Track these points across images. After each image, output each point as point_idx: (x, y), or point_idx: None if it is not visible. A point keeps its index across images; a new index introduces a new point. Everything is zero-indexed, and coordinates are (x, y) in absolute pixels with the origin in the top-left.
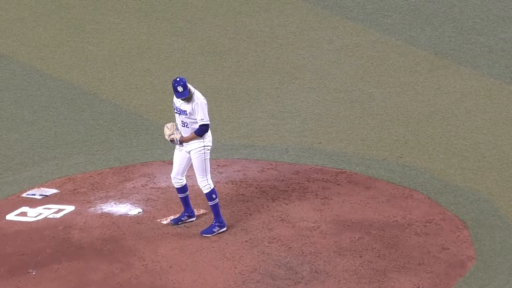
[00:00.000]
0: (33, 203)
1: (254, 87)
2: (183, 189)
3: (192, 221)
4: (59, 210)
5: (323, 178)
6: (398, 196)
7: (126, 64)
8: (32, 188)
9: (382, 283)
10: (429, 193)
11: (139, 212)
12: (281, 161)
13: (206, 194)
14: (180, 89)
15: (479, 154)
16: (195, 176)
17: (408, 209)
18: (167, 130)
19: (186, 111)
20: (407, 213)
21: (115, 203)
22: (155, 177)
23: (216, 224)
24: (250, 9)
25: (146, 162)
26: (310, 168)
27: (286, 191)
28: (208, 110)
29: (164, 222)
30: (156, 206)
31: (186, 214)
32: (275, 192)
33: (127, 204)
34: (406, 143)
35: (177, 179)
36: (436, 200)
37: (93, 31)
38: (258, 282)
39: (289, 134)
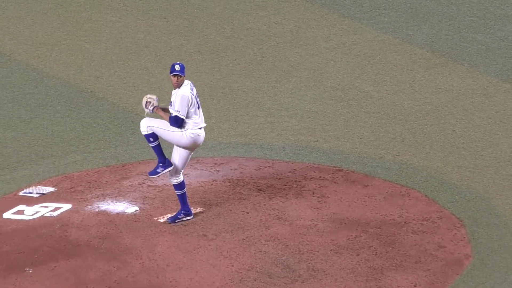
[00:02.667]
0: (30, 201)
1: (251, 85)
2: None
3: (189, 219)
4: (56, 208)
5: (320, 176)
6: (395, 194)
7: (123, 62)
8: (29, 186)
9: (379, 281)
10: (426, 191)
11: (136, 210)
12: (278, 159)
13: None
14: (177, 67)
15: (476, 152)
16: (192, 174)
17: (405, 207)
18: (150, 95)
19: (172, 102)
20: (404, 211)
21: (112, 201)
22: None
23: (159, 164)
24: (247, 7)
25: (143, 160)
26: (307, 166)
27: (283, 189)
28: (188, 107)
29: (161, 220)
30: (153, 204)
31: (183, 212)
32: (272, 190)
33: (124, 202)
34: (403, 141)
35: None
36: (433, 198)
37: (90, 29)
38: (255, 280)
39: (286, 132)
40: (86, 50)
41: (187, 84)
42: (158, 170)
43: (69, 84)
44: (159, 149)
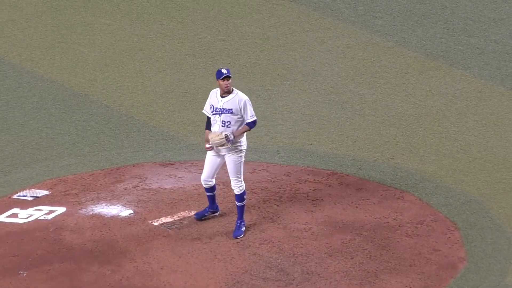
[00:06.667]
0: (24, 204)
1: (245, 89)
2: (212, 189)
3: (215, 215)
4: (50, 212)
5: (314, 180)
6: (389, 197)
7: (118, 66)
8: (23, 189)
9: (373, 285)
10: (420, 195)
11: (130, 214)
12: (272, 163)
13: (237, 195)
14: (224, 70)
15: (470, 156)
16: (186, 177)
17: (399, 211)
18: (214, 135)
19: (231, 109)
20: (398, 214)
21: (106, 205)
22: (146, 178)
23: (242, 224)
24: (242, 11)
25: (138, 164)
26: (301, 170)
27: (278, 192)
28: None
29: (156, 224)
30: (147, 207)
31: (210, 210)
32: (266, 194)
33: (118, 205)
34: (397, 144)
35: (208, 181)
36: (427, 202)
37: (84, 32)
38: (249, 283)
39: (280, 135)
40: (80, 53)
41: (234, 89)
42: (243, 229)
43: (64, 87)
44: (244, 208)
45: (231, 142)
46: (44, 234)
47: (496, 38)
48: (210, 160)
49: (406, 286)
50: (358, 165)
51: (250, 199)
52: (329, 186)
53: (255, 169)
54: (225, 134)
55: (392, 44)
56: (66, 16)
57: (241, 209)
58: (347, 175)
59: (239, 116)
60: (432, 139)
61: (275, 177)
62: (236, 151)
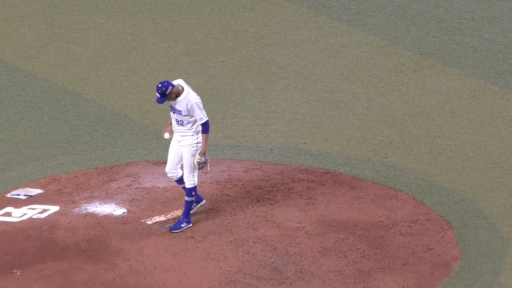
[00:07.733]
0: (17, 203)
1: (239, 87)
2: (181, 180)
3: (202, 205)
4: (44, 210)
5: (308, 179)
6: (383, 196)
7: (111, 64)
8: (17, 188)
9: (367, 284)
10: (414, 194)
11: (123, 213)
12: (266, 161)
13: (187, 189)
14: (157, 95)
15: (464, 155)
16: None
17: (393, 210)
18: (197, 160)
19: (181, 111)
20: (392, 213)
21: (99, 203)
22: (139, 177)
23: (184, 220)
24: (235, 9)
25: (131, 162)
26: (295, 168)
27: (271, 191)
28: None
29: (149, 223)
30: (141, 206)
31: (194, 202)
32: (260, 193)
33: (111, 204)
34: (391, 143)
35: (172, 172)
36: (421, 201)
37: (78, 31)
38: (243, 282)
39: (274, 134)
40: (73, 52)
41: (187, 90)
42: (182, 226)
43: (57, 86)
44: (191, 205)
45: (204, 159)
46: (38, 233)
47: (490, 36)
48: (172, 148)
49: (400, 285)
50: (351, 164)
51: (243, 198)
52: (323, 185)
53: (248, 168)
54: (198, 162)
55: (386, 42)
56: (59, 15)
57: (187, 205)
58: (341, 174)
59: (190, 116)
60: (425, 138)
61: (269, 176)
62: (192, 145)
